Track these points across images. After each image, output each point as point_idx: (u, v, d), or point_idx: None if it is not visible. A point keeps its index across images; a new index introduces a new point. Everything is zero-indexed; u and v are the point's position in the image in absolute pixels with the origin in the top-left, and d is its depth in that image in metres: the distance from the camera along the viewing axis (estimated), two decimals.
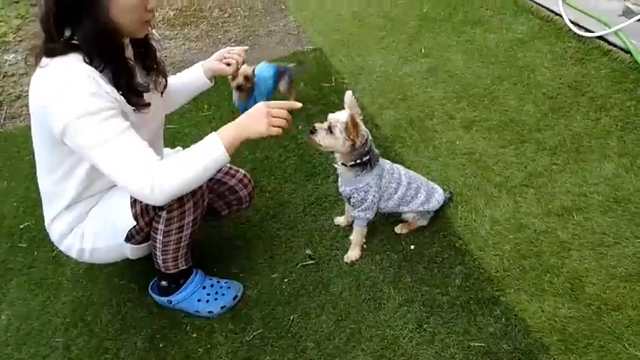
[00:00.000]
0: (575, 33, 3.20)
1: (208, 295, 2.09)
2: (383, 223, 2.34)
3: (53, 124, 1.52)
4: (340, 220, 2.38)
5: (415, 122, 2.89)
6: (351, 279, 2.13)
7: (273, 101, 1.68)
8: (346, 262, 2.19)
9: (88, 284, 2.28)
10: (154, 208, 1.79)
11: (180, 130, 3.13)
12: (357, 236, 2.18)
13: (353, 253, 2.20)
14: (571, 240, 2.10)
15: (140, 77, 1.78)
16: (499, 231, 2.19)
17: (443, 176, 2.51)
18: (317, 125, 1.92)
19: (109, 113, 1.53)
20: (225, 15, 4.75)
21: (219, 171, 2.03)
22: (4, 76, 4.05)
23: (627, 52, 2.90)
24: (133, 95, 1.66)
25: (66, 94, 1.49)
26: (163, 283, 2.08)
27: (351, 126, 1.84)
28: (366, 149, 1.95)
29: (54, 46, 1.53)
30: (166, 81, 1.96)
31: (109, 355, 2.03)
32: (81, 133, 1.51)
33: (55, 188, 1.79)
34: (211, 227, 2.45)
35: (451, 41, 3.53)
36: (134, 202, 1.80)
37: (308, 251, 2.28)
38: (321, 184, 2.62)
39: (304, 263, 2.23)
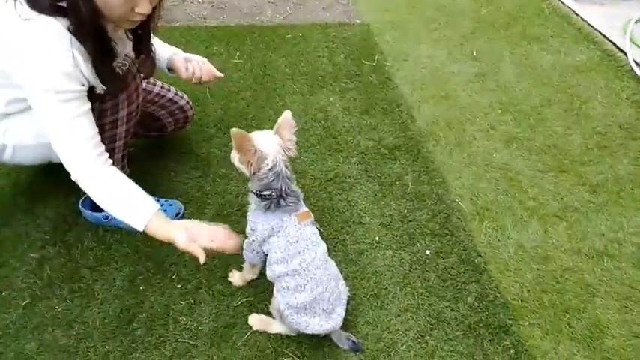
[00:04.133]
0: (636, 74, 3.05)
1: None
2: (400, 218, 2.19)
3: (16, 76, 1.51)
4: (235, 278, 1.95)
5: (453, 124, 2.72)
6: (357, 268, 1.98)
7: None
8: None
9: (78, 204, 2.10)
10: (89, 97, 1.65)
11: None
12: (244, 266, 1.88)
13: (234, 277, 1.91)
14: (597, 285, 1.95)
15: (122, 59, 1.77)
16: (523, 257, 2.04)
17: (473, 186, 2.34)
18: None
19: (74, 95, 1.54)
20: None
21: (169, 90, 2.24)
22: None
23: None
24: (107, 78, 1.66)
25: (41, 63, 1.47)
26: None
27: (237, 146, 1.52)
28: (269, 185, 1.57)
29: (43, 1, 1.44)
30: (154, 66, 1.97)
31: (82, 284, 1.88)
32: (40, 102, 1.53)
33: None
34: (220, 178, 2.29)
35: (505, 51, 3.35)
36: None
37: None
38: (342, 162, 2.45)
39: None
